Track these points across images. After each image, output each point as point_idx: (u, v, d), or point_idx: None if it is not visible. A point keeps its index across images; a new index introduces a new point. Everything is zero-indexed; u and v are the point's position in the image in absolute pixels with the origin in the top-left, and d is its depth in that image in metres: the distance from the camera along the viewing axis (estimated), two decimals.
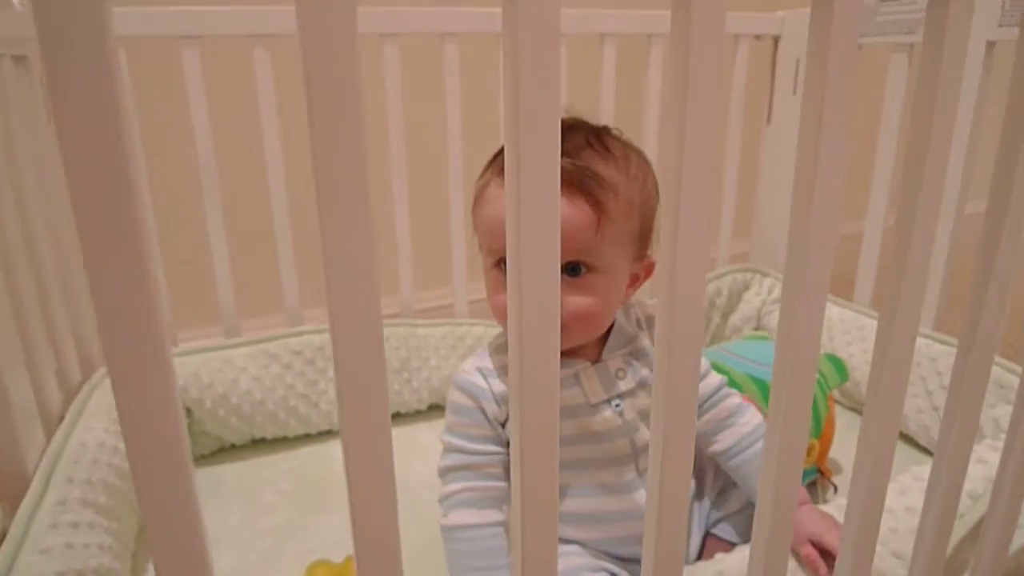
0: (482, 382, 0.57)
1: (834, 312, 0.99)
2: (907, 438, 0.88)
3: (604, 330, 0.57)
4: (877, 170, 0.96)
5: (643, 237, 0.56)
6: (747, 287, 1.10)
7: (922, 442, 0.86)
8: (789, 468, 0.37)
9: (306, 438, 0.91)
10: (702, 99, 0.27)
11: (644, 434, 0.58)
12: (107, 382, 0.78)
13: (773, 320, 1.08)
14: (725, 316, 1.07)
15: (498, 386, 0.57)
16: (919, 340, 0.86)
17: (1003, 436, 0.75)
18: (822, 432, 0.75)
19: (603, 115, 0.97)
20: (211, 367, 0.83)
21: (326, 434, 0.91)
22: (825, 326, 0.98)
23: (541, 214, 0.27)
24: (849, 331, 0.96)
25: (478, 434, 0.57)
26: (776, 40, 1.06)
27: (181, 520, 0.24)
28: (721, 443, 0.60)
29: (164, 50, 0.83)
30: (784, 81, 1.07)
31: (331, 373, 0.89)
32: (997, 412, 0.80)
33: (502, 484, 0.57)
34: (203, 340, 0.89)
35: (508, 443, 0.55)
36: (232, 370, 0.84)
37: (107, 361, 0.21)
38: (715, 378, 0.61)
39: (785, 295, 0.34)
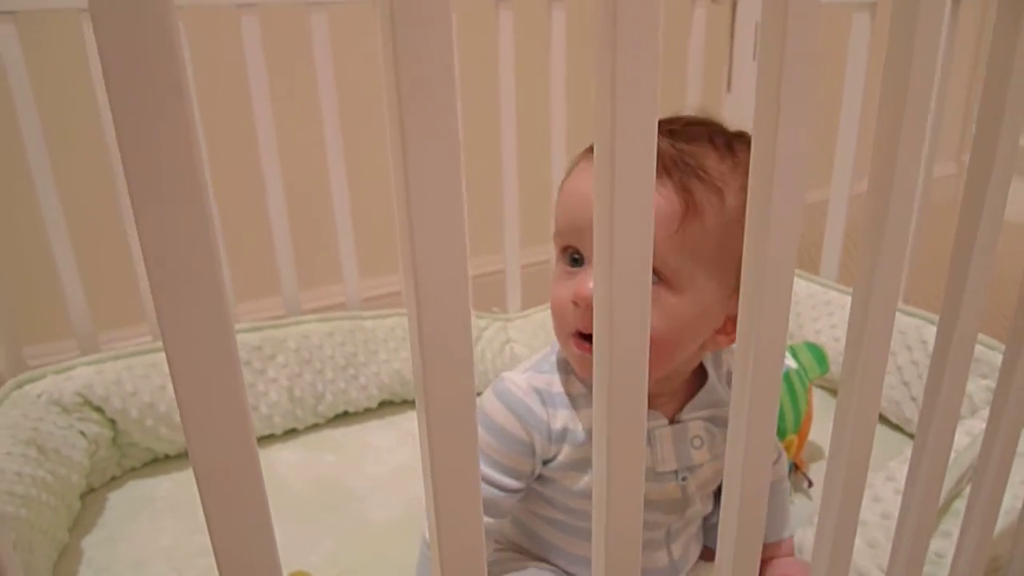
0: (540, 410, 0.47)
1: (800, 287, 0.95)
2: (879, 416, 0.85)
3: (665, 370, 0.46)
4: (842, 135, 0.92)
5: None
6: None
7: (893, 419, 0.83)
8: (757, 465, 0.32)
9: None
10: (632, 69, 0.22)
11: (697, 508, 0.51)
12: (16, 395, 0.71)
13: None
14: None
15: (560, 420, 0.47)
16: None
17: (978, 414, 0.72)
18: (801, 426, 0.72)
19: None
20: (135, 373, 0.76)
21: (267, 438, 0.84)
22: (792, 302, 0.94)
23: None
24: (816, 306, 0.92)
25: (509, 466, 0.48)
26: (734, 3, 1.01)
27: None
28: None
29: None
30: (743, 46, 1.03)
31: (271, 374, 0.83)
32: (970, 387, 0.77)
33: (497, 523, 0.49)
34: (126, 341, 0.82)
35: (537, 476, 0.49)
36: (159, 376, 0.77)
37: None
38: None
39: (746, 283, 0.29)
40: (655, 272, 0.42)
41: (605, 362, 0.25)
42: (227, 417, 0.21)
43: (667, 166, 0.42)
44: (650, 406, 0.47)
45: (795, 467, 0.71)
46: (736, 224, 0.42)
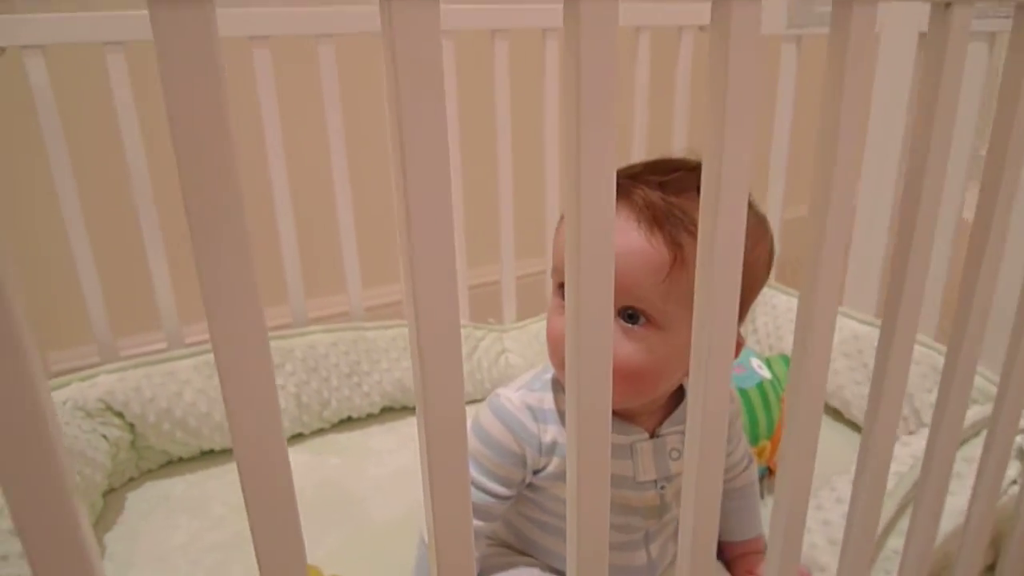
0: (532, 425, 0.52)
1: (781, 301, 1.00)
2: (836, 412, 0.91)
3: (649, 397, 0.51)
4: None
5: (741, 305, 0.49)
6: None
7: (847, 415, 0.90)
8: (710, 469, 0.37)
9: None
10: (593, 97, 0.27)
11: (674, 513, 0.56)
12: None
13: None
14: None
15: (549, 435, 0.51)
16: (840, 319, 0.88)
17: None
18: (774, 433, 0.76)
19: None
20: (153, 381, 0.81)
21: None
22: (772, 315, 1.00)
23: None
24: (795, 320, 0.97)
25: (501, 475, 0.52)
26: None
27: None
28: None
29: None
30: None
31: (279, 381, 0.88)
32: (934, 397, 0.82)
33: (489, 526, 0.54)
34: (143, 347, 0.87)
35: (528, 484, 0.53)
36: (175, 383, 0.82)
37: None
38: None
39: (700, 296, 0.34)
40: (644, 314, 0.47)
41: (574, 390, 0.30)
42: (265, 413, 0.26)
43: (659, 219, 0.45)
44: (632, 423, 0.53)
45: (769, 471, 0.76)
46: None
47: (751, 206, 0.50)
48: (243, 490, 0.27)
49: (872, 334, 0.88)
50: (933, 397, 0.80)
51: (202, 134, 0.21)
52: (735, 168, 0.31)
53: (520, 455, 0.52)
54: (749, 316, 1.03)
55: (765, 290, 1.03)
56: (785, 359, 0.80)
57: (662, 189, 0.46)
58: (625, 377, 0.47)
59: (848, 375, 0.88)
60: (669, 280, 0.46)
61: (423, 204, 0.25)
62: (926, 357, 0.82)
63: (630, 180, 0.47)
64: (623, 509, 0.54)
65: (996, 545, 0.65)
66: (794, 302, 0.99)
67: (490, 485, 0.52)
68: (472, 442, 0.53)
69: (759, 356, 0.79)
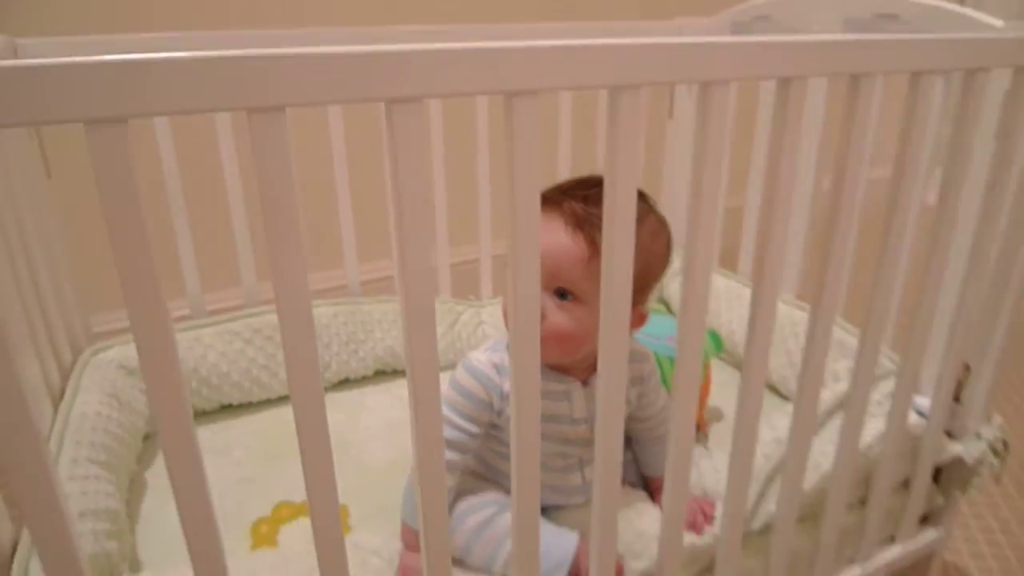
0: (496, 378, 0.67)
1: (720, 282, 1.16)
2: (773, 389, 1.07)
3: (577, 355, 0.66)
4: (755, 148, 1.12)
5: (637, 290, 0.60)
6: None
7: (783, 392, 1.05)
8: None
9: (267, 403, 1.05)
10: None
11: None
12: (95, 360, 0.91)
13: (672, 288, 1.25)
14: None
15: (508, 385, 0.64)
16: (780, 306, 1.04)
17: (838, 384, 0.93)
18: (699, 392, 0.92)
19: None
20: (183, 345, 0.96)
21: (284, 399, 1.05)
22: (712, 295, 1.15)
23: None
24: (731, 300, 1.13)
25: (472, 416, 0.67)
26: None
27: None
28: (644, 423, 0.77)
29: None
30: None
31: None
32: (839, 366, 0.98)
33: (463, 458, 0.68)
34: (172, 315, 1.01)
35: (492, 426, 0.69)
36: (201, 347, 0.97)
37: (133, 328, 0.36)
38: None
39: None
40: (571, 292, 0.62)
41: (516, 348, 0.45)
42: (309, 369, 0.41)
43: (580, 223, 0.61)
44: (568, 375, 0.69)
45: (696, 426, 0.92)
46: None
47: (652, 210, 0.66)
48: (296, 421, 0.42)
49: (792, 314, 1.03)
50: (837, 366, 0.97)
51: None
52: (625, 190, 0.46)
53: (487, 401, 0.67)
54: None
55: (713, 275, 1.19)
56: (711, 332, 0.96)
57: (584, 201, 0.62)
58: (558, 339, 0.63)
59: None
60: (588, 267, 0.61)
61: (411, 204, 0.40)
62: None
63: (561, 194, 0.64)
64: (562, 440, 0.70)
65: (867, 483, 0.81)
66: (731, 283, 1.15)
67: (465, 425, 0.67)
68: (451, 394, 0.67)
69: None
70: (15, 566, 0.53)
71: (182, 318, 1.02)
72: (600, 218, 0.60)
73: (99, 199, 0.33)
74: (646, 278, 0.66)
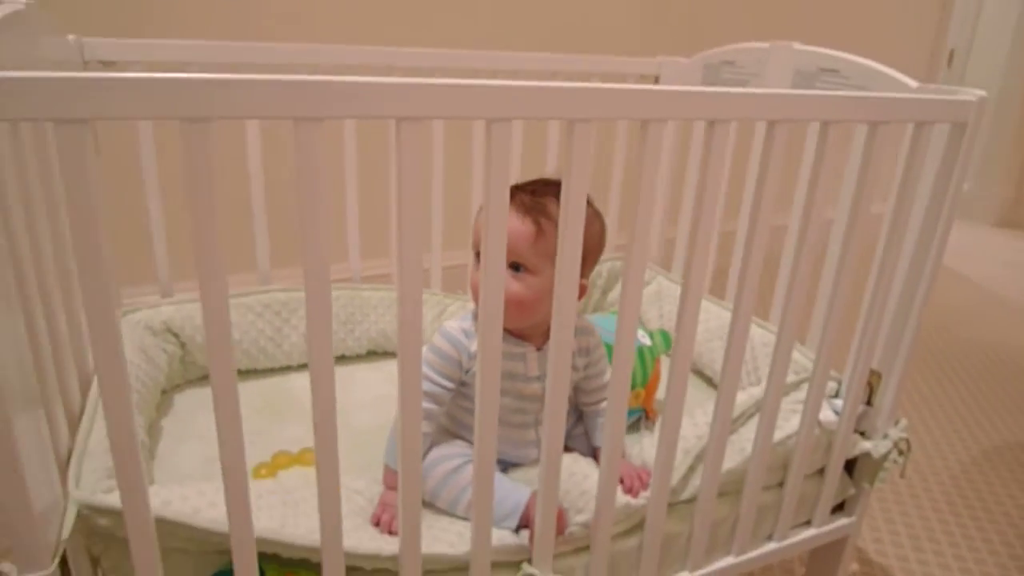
0: (464, 341, 0.81)
1: (673, 289, 1.29)
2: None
3: (533, 318, 0.80)
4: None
5: (584, 263, 0.74)
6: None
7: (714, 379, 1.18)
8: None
9: (271, 371, 1.18)
10: None
11: None
12: (125, 319, 1.04)
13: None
14: (604, 293, 1.37)
15: (474, 347, 0.79)
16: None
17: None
18: (648, 383, 1.05)
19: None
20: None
21: (286, 368, 1.18)
22: (672, 305, 1.29)
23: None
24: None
25: (446, 373, 0.81)
26: (656, 79, 1.34)
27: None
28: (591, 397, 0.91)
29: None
30: None
31: (293, 322, 1.16)
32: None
33: (439, 408, 0.83)
34: (193, 291, 1.14)
35: (461, 383, 0.84)
36: None
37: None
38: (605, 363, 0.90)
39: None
40: (523, 266, 0.77)
41: (484, 314, 0.59)
42: (324, 340, 0.54)
43: (528, 210, 0.76)
44: (524, 339, 0.86)
45: (646, 414, 1.06)
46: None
47: (590, 203, 0.81)
48: (312, 384, 0.55)
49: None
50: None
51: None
52: (577, 191, 0.59)
53: (457, 360, 0.82)
54: (656, 301, 1.32)
55: (669, 285, 1.32)
56: (663, 332, 1.09)
57: (532, 194, 0.78)
58: (516, 304, 0.77)
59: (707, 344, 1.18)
60: (535, 245, 0.76)
61: (408, 215, 0.53)
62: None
63: (515, 189, 0.79)
64: (519, 396, 0.85)
65: (786, 468, 0.94)
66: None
67: (440, 380, 0.82)
68: (428, 355, 0.81)
69: (644, 328, 1.08)
70: (71, 468, 0.66)
71: None
72: (544, 206, 0.78)
73: (184, 186, 0.46)
74: (588, 256, 0.79)
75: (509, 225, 0.75)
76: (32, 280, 0.63)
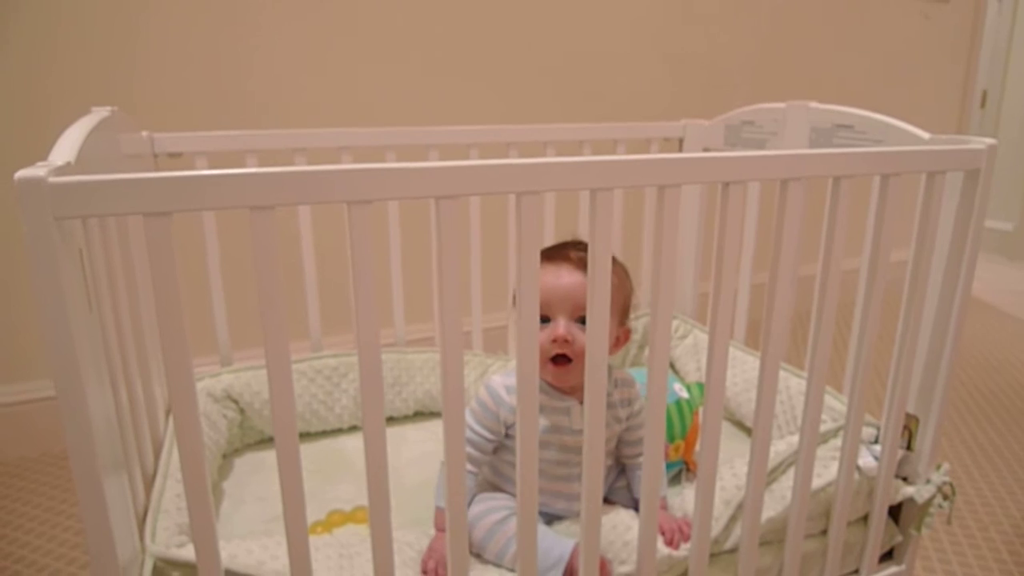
0: (506, 397, 0.86)
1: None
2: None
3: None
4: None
5: (623, 312, 0.87)
6: None
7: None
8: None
9: (324, 433, 1.24)
10: None
11: None
12: None
13: (675, 352, 1.41)
14: (641, 348, 1.41)
15: (515, 401, 0.83)
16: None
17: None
18: (687, 435, 1.08)
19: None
20: (260, 380, 1.16)
21: (338, 431, 1.24)
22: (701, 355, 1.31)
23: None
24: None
25: (486, 424, 0.86)
26: (680, 141, 1.40)
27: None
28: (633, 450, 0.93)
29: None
30: None
31: (343, 386, 1.22)
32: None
33: (480, 455, 0.87)
34: (253, 360, 1.22)
35: (505, 435, 0.89)
36: None
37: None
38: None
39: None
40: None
41: (520, 373, 0.63)
42: (376, 406, 0.60)
43: (583, 267, 0.81)
44: (568, 395, 0.87)
45: (687, 467, 1.08)
46: (612, 288, 0.71)
47: (616, 262, 0.85)
48: (365, 444, 0.60)
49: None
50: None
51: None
52: (603, 256, 0.64)
53: (495, 412, 0.86)
54: (693, 354, 1.34)
55: (705, 338, 1.35)
56: (699, 385, 1.12)
57: (583, 251, 0.83)
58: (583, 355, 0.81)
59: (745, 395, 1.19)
60: None
61: (448, 287, 0.59)
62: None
63: (564, 249, 0.85)
64: (563, 448, 0.88)
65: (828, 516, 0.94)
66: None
67: (479, 429, 0.87)
68: (473, 405, 0.87)
69: (681, 381, 1.11)
70: (147, 524, 0.72)
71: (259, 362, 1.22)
72: None
73: (254, 267, 0.53)
74: (622, 306, 0.87)
75: (571, 281, 0.83)
76: (116, 355, 0.70)
